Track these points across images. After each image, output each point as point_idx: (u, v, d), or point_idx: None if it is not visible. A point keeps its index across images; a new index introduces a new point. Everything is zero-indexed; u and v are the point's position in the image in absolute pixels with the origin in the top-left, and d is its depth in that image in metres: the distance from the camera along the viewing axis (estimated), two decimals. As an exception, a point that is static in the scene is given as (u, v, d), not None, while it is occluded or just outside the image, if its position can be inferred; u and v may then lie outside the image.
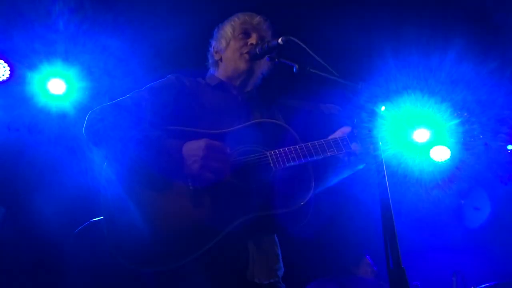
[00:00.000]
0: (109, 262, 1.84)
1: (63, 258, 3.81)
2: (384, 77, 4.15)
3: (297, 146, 1.95)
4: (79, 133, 2.12)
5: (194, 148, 1.83)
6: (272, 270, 2.05)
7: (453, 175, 4.77)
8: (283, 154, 1.93)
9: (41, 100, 4.07)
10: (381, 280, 3.95)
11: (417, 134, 4.70)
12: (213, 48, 2.40)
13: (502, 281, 3.64)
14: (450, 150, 4.80)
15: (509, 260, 4.57)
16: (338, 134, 2.04)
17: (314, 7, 3.96)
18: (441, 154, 4.81)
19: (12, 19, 3.86)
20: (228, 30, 2.32)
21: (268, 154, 1.93)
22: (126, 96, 2.12)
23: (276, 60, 1.86)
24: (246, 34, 2.27)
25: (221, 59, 2.35)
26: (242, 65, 2.23)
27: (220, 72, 2.36)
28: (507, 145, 4.83)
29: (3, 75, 3.88)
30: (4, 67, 3.90)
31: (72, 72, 4.11)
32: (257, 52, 2.04)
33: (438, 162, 4.82)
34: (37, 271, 3.93)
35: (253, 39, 2.23)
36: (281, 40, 1.78)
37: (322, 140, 1.98)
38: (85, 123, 2.03)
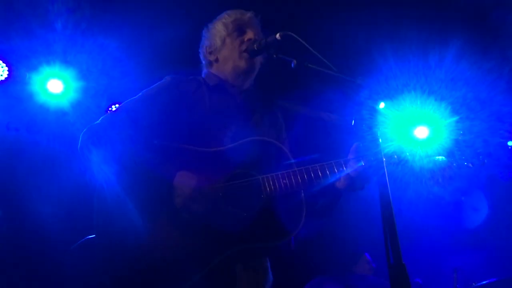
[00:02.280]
0: (102, 282, 1.84)
1: (58, 267, 3.80)
2: (384, 75, 4.15)
3: (290, 172, 1.89)
4: (77, 131, 2.11)
5: (182, 184, 1.84)
6: (260, 284, 2.02)
7: (453, 172, 4.76)
8: (275, 180, 1.88)
9: (40, 99, 4.07)
10: (381, 278, 3.95)
11: (417, 131, 4.69)
12: (206, 48, 2.32)
13: (503, 277, 3.64)
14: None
15: (510, 257, 4.57)
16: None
17: (313, 4, 3.95)
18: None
19: (10, 20, 3.86)
20: (220, 28, 2.24)
21: (260, 179, 1.89)
22: (120, 108, 2.10)
23: (274, 56, 1.84)
24: (241, 31, 2.21)
25: (216, 60, 2.28)
26: (243, 64, 2.18)
27: (218, 72, 2.28)
28: (507, 141, 4.83)
29: (1, 75, 3.87)
30: (2, 67, 3.89)
31: (70, 73, 4.11)
32: (255, 48, 2.02)
33: (438, 159, 4.81)
34: (33, 270, 3.92)
35: (249, 35, 2.17)
36: (279, 35, 1.77)
37: (317, 165, 1.92)
38: (79, 143, 2.00)
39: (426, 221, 4.70)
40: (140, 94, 2.13)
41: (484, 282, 3.63)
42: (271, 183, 1.88)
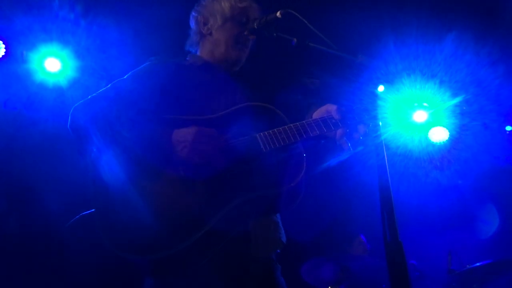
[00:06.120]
0: (106, 255, 1.81)
1: (59, 245, 3.83)
2: (384, 58, 4.13)
3: (286, 127, 1.91)
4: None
5: (183, 134, 1.82)
6: (276, 239, 2.04)
7: (451, 155, 4.78)
8: (272, 135, 1.89)
9: (38, 77, 4.05)
10: (376, 258, 4.01)
11: (415, 115, 4.70)
12: (202, 17, 2.24)
13: (496, 259, 3.68)
14: (449, 131, 4.80)
15: (503, 239, 4.62)
16: (323, 113, 1.97)
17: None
18: (440, 135, 4.81)
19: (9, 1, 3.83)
20: (226, 6, 2.17)
21: (257, 136, 1.90)
22: (107, 87, 2.05)
23: (274, 34, 1.82)
24: (245, 21, 2.14)
25: (210, 34, 2.21)
26: (234, 55, 2.16)
27: (204, 51, 2.24)
28: (505, 126, 4.84)
29: (-2, 53, 3.84)
30: (-1, 44, 3.86)
31: (67, 52, 4.08)
32: (255, 26, 1.99)
33: (436, 143, 4.83)
34: (32, 255, 3.95)
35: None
36: (280, 13, 1.74)
37: (311, 120, 1.94)
38: (69, 119, 1.97)
39: (421, 204, 4.74)
40: (127, 75, 2.10)
41: (477, 264, 3.68)
42: (268, 138, 1.89)
